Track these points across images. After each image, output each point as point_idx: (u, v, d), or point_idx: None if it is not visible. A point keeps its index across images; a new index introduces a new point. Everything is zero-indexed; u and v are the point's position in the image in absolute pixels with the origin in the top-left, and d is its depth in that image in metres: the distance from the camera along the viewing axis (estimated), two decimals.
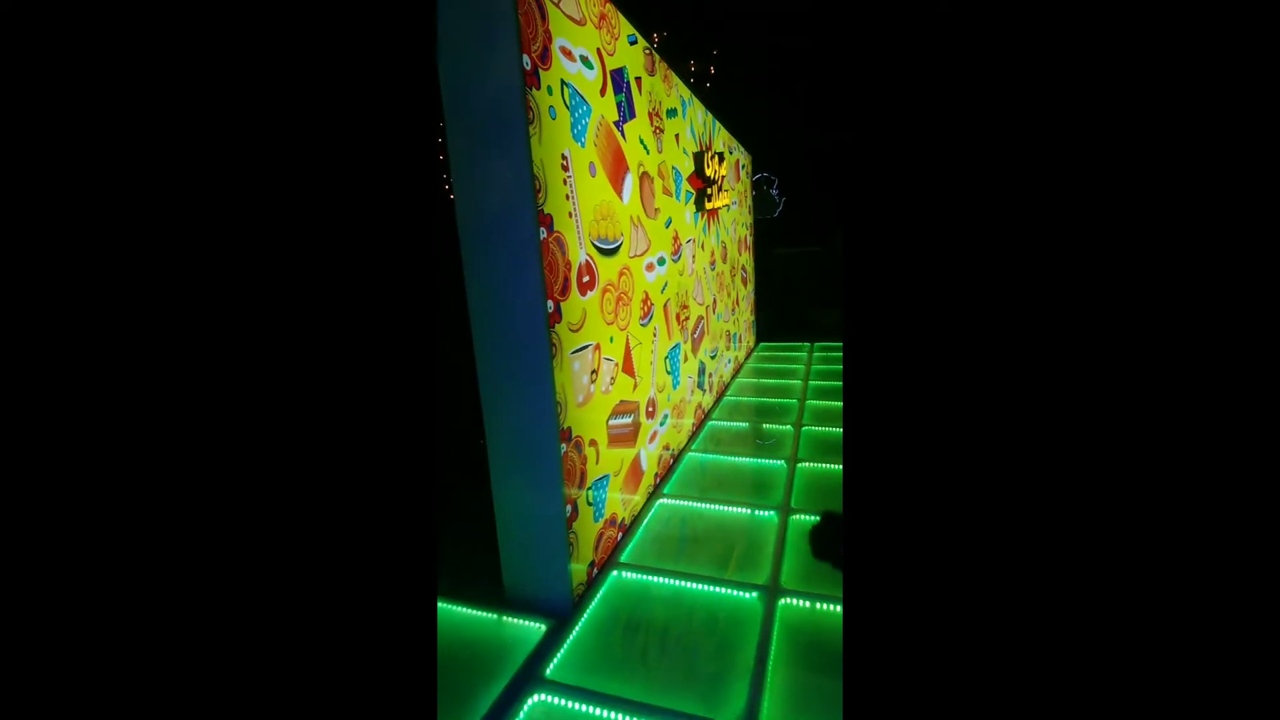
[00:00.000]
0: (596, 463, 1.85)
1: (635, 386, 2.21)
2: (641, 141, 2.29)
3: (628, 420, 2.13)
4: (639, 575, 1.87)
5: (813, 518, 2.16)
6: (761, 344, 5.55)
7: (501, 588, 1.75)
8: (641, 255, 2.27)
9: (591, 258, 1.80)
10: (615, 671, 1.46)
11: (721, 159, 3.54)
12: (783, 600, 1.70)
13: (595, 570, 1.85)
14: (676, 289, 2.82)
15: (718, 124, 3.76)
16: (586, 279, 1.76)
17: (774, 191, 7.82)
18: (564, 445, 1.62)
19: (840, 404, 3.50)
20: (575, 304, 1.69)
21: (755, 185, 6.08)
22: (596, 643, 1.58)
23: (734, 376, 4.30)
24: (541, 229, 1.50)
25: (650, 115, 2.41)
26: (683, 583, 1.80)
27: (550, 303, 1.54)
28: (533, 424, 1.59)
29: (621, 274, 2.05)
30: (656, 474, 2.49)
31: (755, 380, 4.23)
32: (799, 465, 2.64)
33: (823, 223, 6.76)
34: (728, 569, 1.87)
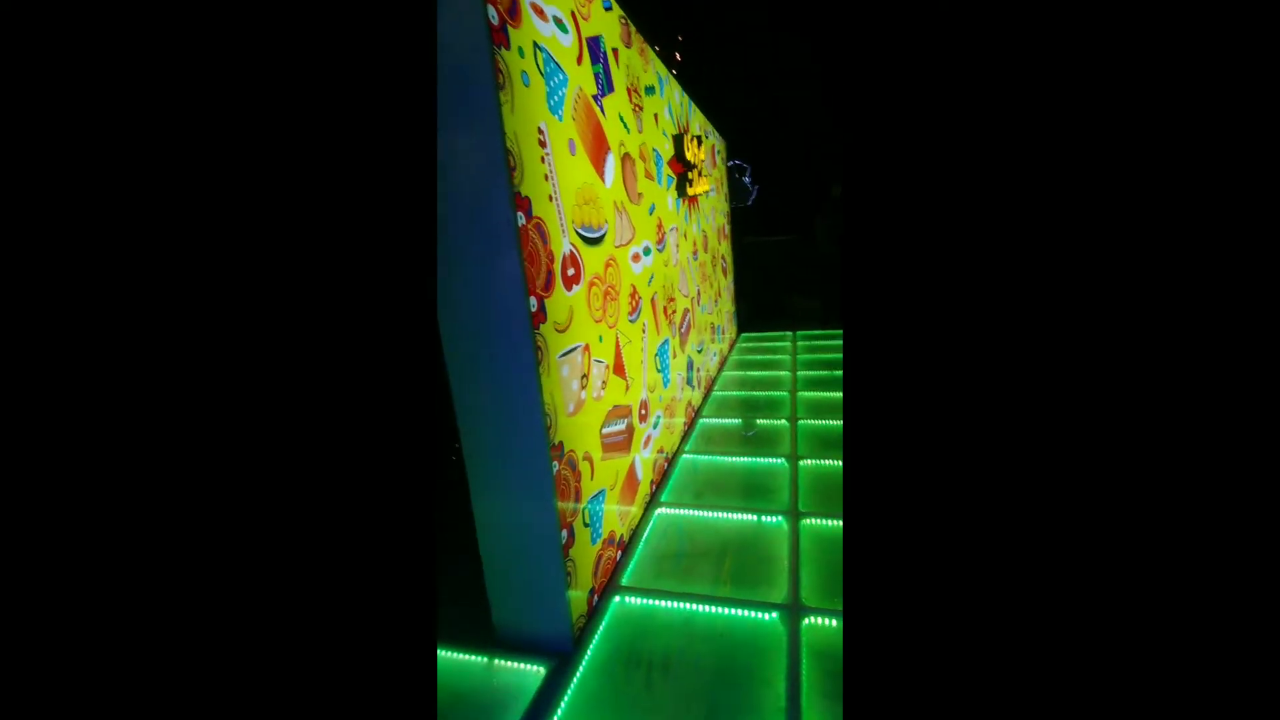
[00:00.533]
0: (591, 478, 1.65)
1: (627, 389, 2.01)
2: (621, 119, 2.08)
3: (621, 426, 1.93)
4: (644, 600, 1.68)
5: (827, 522, 2.01)
6: (743, 334, 5.41)
7: (489, 626, 1.53)
8: (627, 245, 2.07)
9: (576, 248, 1.59)
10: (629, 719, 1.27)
11: (700, 142, 3.36)
12: (807, 620, 1.53)
13: (596, 597, 1.66)
14: (663, 281, 2.63)
15: (694, 106, 3.57)
16: (571, 272, 1.55)
17: (746, 180, 7.70)
18: (556, 463, 1.42)
19: (835, 394, 3.38)
20: (561, 301, 1.48)
21: (729, 173, 5.94)
22: (604, 685, 1.38)
23: (720, 370, 4.14)
24: (519, 214, 1.28)
25: (629, 91, 2.20)
26: (693, 605, 1.62)
27: (533, 300, 1.33)
28: (519, 440, 1.38)
29: (608, 265, 1.84)
30: (652, 481, 2.30)
31: (742, 373, 4.08)
32: (801, 463, 2.49)
33: (798, 211, 6.66)
34: (741, 585, 1.70)
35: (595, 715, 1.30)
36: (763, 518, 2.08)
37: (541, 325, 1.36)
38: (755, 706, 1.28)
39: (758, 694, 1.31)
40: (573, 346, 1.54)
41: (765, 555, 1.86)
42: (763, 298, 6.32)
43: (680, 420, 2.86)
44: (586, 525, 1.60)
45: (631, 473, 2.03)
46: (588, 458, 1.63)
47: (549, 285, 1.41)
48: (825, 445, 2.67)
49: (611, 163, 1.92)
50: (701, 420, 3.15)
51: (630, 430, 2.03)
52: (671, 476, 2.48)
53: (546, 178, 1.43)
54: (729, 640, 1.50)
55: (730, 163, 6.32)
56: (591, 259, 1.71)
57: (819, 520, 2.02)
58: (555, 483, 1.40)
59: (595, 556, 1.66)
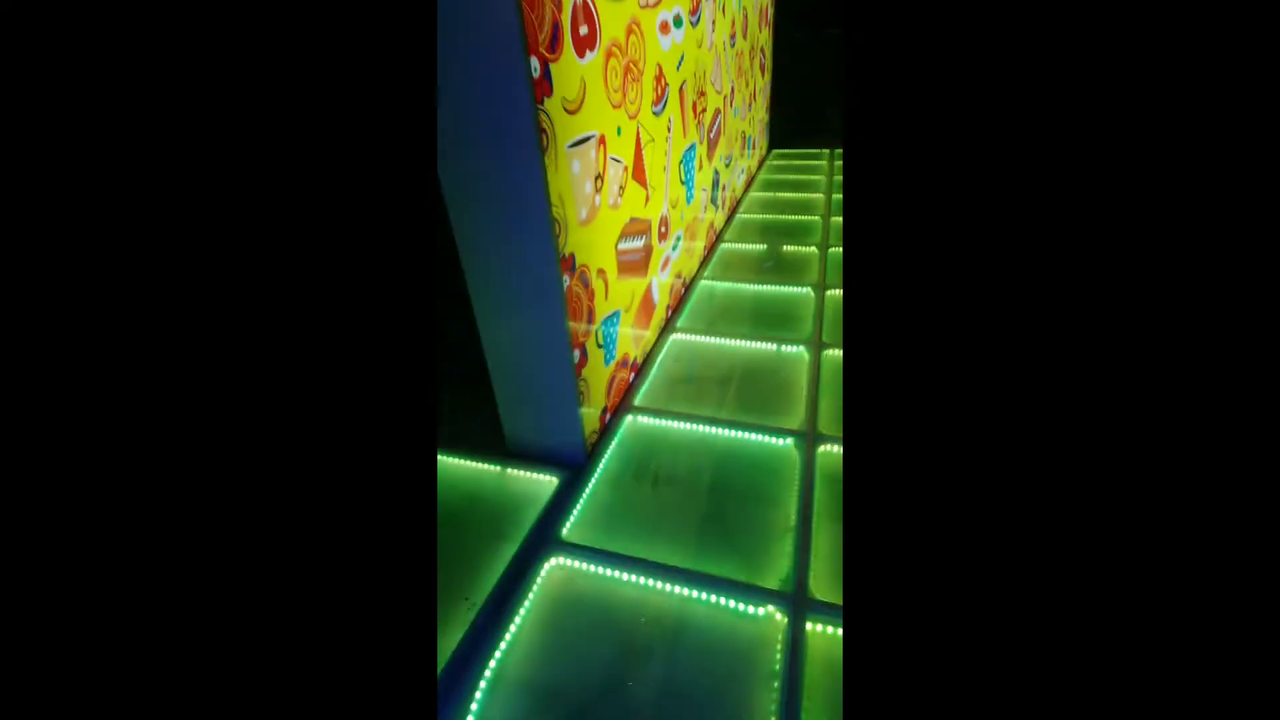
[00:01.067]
0: (606, 297, 1.50)
1: (647, 200, 1.75)
2: None
3: (639, 244, 1.72)
4: (658, 420, 1.65)
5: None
6: (774, 150, 4.83)
7: (500, 436, 1.53)
8: (655, 6, 1.62)
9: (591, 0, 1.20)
10: (641, 530, 1.30)
11: None
12: (822, 448, 1.51)
13: (609, 415, 1.63)
14: (694, 67, 2.16)
15: None
16: (585, 31, 1.19)
17: None
18: (567, 277, 1.25)
19: None
20: (571, 68, 1.15)
21: None
22: (617, 497, 1.40)
23: (746, 189, 3.74)
24: None
25: None
26: (707, 428, 1.60)
27: (535, 61, 1.02)
28: (523, 249, 1.19)
29: (630, 31, 1.44)
30: (669, 306, 2.16)
31: (771, 194, 3.70)
32: (828, 293, 2.32)
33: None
34: (757, 411, 1.66)
35: (609, 522, 1.33)
36: (783, 347, 1.98)
37: (546, 99, 1.07)
38: (769, 525, 1.30)
39: (770, 513, 1.33)
40: (586, 136, 1.26)
41: (783, 382, 1.80)
42: (800, 107, 5.51)
43: (701, 244, 2.62)
44: (600, 346, 1.50)
45: (648, 296, 1.88)
46: (602, 274, 1.45)
47: (555, 44, 1.08)
48: None
49: None
50: (724, 244, 2.91)
51: (648, 250, 1.82)
52: (689, 302, 2.34)
53: None
54: (741, 461, 1.49)
55: None
56: (610, 16, 1.32)
57: (840, 351, 1.92)
58: (566, 300, 1.25)
59: (609, 378, 1.59)
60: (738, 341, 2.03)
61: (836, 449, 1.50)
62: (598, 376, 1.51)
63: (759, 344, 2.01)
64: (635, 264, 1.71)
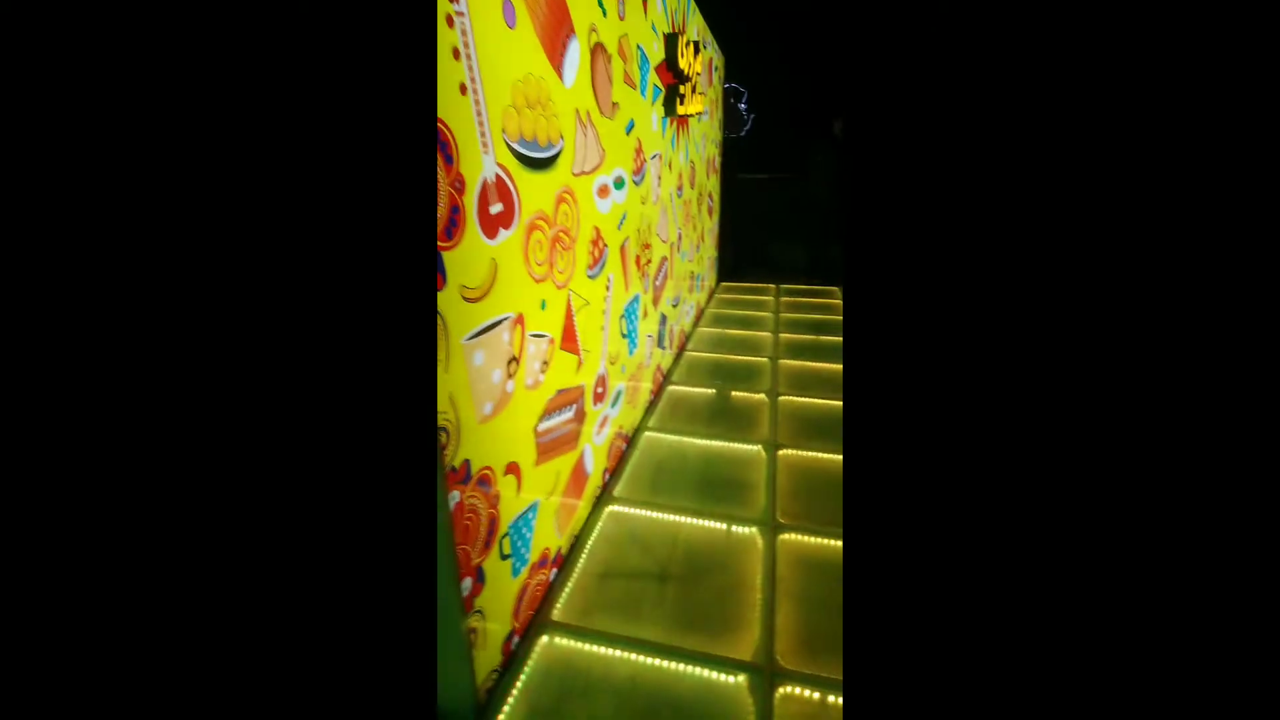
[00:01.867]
0: (518, 492, 1.24)
1: (580, 365, 1.57)
2: None
3: (568, 416, 1.50)
4: (581, 643, 1.32)
5: (811, 540, 1.68)
6: (722, 283, 4.96)
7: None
8: (592, 172, 1.55)
9: (507, 171, 1.08)
10: None
11: (697, 50, 2.73)
12: (784, 689, 1.21)
13: (516, 638, 1.29)
14: (638, 222, 2.12)
15: (693, 3, 2.89)
16: (498, 208, 1.05)
17: (742, 106, 6.92)
18: (457, 492, 0.99)
19: (819, 365, 3.02)
20: (475, 253, 0.99)
21: (724, 96, 5.21)
22: None
23: (695, 324, 3.71)
24: None
25: None
26: (639, 657, 1.28)
27: None
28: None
29: (560, 200, 1.34)
30: (606, 470, 1.92)
31: (719, 331, 3.67)
32: (781, 454, 2.14)
33: (795, 148, 6.01)
34: (699, 630, 1.36)
35: None
36: (733, 527, 1.74)
37: (439, 292, 0.88)
38: None
39: None
40: (494, 321, 1.07)
41: (734, 581, 1.53)
42: (746, 243, 5.81)
43: (647, 388, 2.45)
44: (506, 557, 1.20)
45: (578, 469, 1.63)
46: (513, 469, 1.20)
47: (453, 229, 0.92)
48: (809, 430, 2.32)
49: (576, 53, 1.36)
50: (671, 386, 2.76)
51: (581, 416, 1.61)
52: (630, 460, 2.10)
53: (458, 55, 0.89)
54: (679, 710, 1.17)
55: (726, 85, 5.57)
56: (534, 190, 1.20)
57: (801, 536, 1.69)
58: (453, 522, 0.98)
59: (519, 590, 1.28)
60: (681, 518, 1.77)
61: (803, 692, 1.20)
62: (502, 597, 1.20)
63: (705, 522, 1.76)
64: (562, 439, 1.48)
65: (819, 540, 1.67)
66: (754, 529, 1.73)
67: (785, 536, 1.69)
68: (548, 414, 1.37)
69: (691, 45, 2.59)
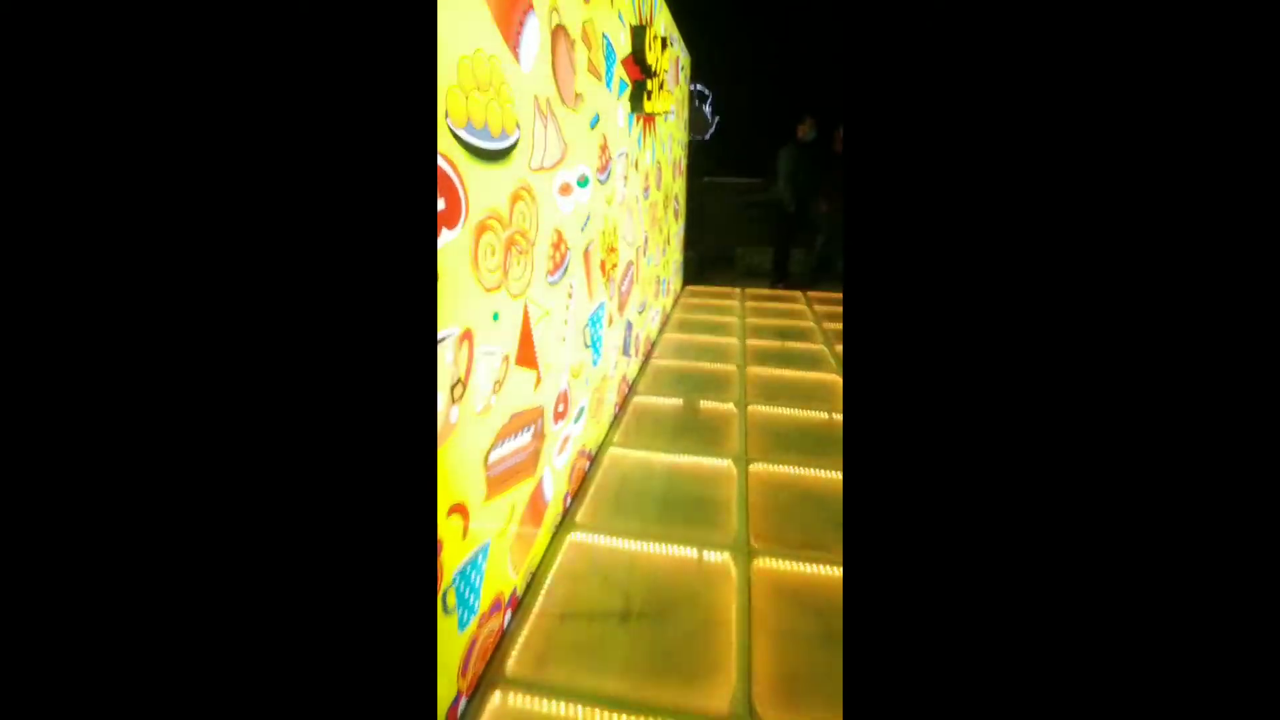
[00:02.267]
0: (464, 537, 1.07)
1: (539, 382, 1.41)
2: None
3: (525, 440, 1.35)
4: (538, 699, 1.17)
5: (786, 565, 1.57)
6: (688, 287, 4.87)
7: None
8: (552, 167, 1.39)
9: (451, 163, 0.92)
10: None
11: (665, 46, 2.61)
12: None
13: (464, 700, 1.13)
14: (603, 225, 1.97)
15: None
16: (440, 205, 0.89)
17: (707, 109, 6.86)
18: None
19: (787, 373, 2.95)
20: None
21: (690, 98, 5.13)
22: None
23: (661, 330, 3.59)
24: None
25: None
26: (608, 714, 1.14)
27: None
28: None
29: (516, 199, 1.18)
30: (568, 494, 1.76)
31: (686, 336, 3.56)
32: (752, 467, 2.04)
33: (759, 152, 5.99)
34: (670, 676, 1.23)
35: None
36: (705, 554, 1.62)
37: None
38: None
39: None
40: (438, 338, 0.91)
41: (705, 618, 1.40)
42: (711, 247, 5.76)
43: (612, 400, 2.31)
44: (450, 611, 1.04)
45: (537, 496, 1.47)
46: (459, 510, 1.04)
47: None
48: (781, 443, 2.23)
49: (535, 32, 1.21)
50: (636, 397, 2.62)
51: (539, 438, 1.45)
52: (593, 479, 1.95)
53: None
54: None
55: (692, 86, 5.49)
56: (484, 185, 1.04)
57: (777, 562, 1.58)
58: None
59: (465, 646, 1.11)
60: (649, 546, 1.64)
61: None
62: (446, 656, 1.03)
63: (675, 549, 1.63)
64: (518, 467, 1.32)
65: (795, 566, 1.57)
66: (726, 555, 1.61)
67: (760, 563, 1.58)
68: (501, 440, 1.21)
69: (659, 40, 2.47)
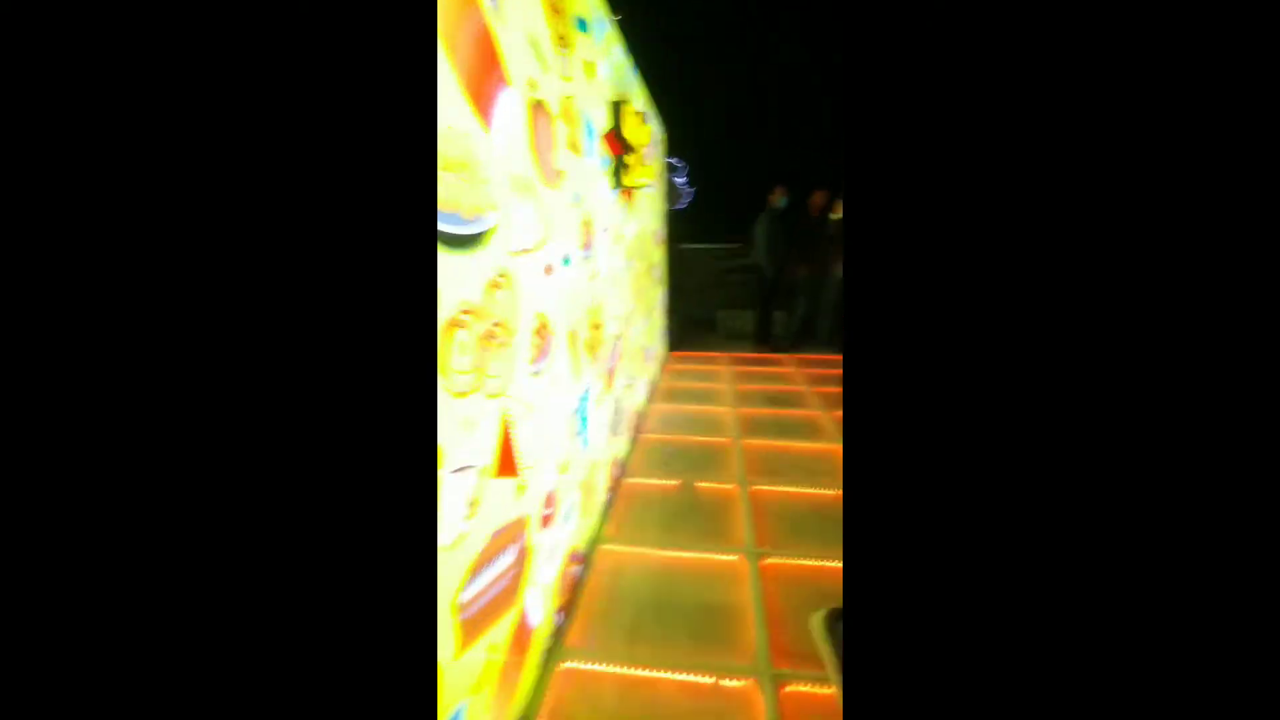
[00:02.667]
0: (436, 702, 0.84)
1: (522, 490, 1.21)
2: (536, 48, 1.27)
3: (507, 563, 1.13)
4: None
5: (818, 690, 1.33)
6: (672, 354, 4.76)
7: None
8: (531, 249, 1.27)
9: None
10: None
11: (644, 120, 2.61)
12: None
13: None
14: (589, 301, 1.85)
15: (637, 73, 2.82)
16: None
17: (682, 180, 7.07)
18: None
19: (786, 443, 2.78)
20: None
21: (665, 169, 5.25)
22: None
23: (649, 401, 3.43)
24: None
25: (550, 9, 1.40)
26: None
27: None
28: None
29: (494, 286, 1.03)
30: (559, 609, 1.52)
31: (675, 407, 3.39)
32: (764, 564, 1.82)
33: (735, 218, 6.12)
34: None
35: None
36: (723, 681, 1.37)
37: None
38: None
39: None
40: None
41: None
42: (693, 311, 5.72)
43: (604, 487, 2.09)
44: None
45: (521, 626, 1.24)
46: None
47: None
48: (792, 529, 2.02)
49: (513, 108, 1.11)
50: (628, 480, 2.41)
51: (523, 557, 1.23)
52: (584, 586, 1.71)
53: None
54: None
55: (667, 159, 5.65)
56: (455, 275, 0.89)
57: (808, 688, 1.34)
58: None
59: None
60: (657, 674, 1.39)
61: None
62: None
63: (687, 676, 1.38)
64: (498, 598, 1.10)
65: (830, 691, 1.34)
66: (748, 681, 1.37)
67: (790, 690, 1.34)
68: (477, 572, 0.99)
69: (638, 115, 2.47)
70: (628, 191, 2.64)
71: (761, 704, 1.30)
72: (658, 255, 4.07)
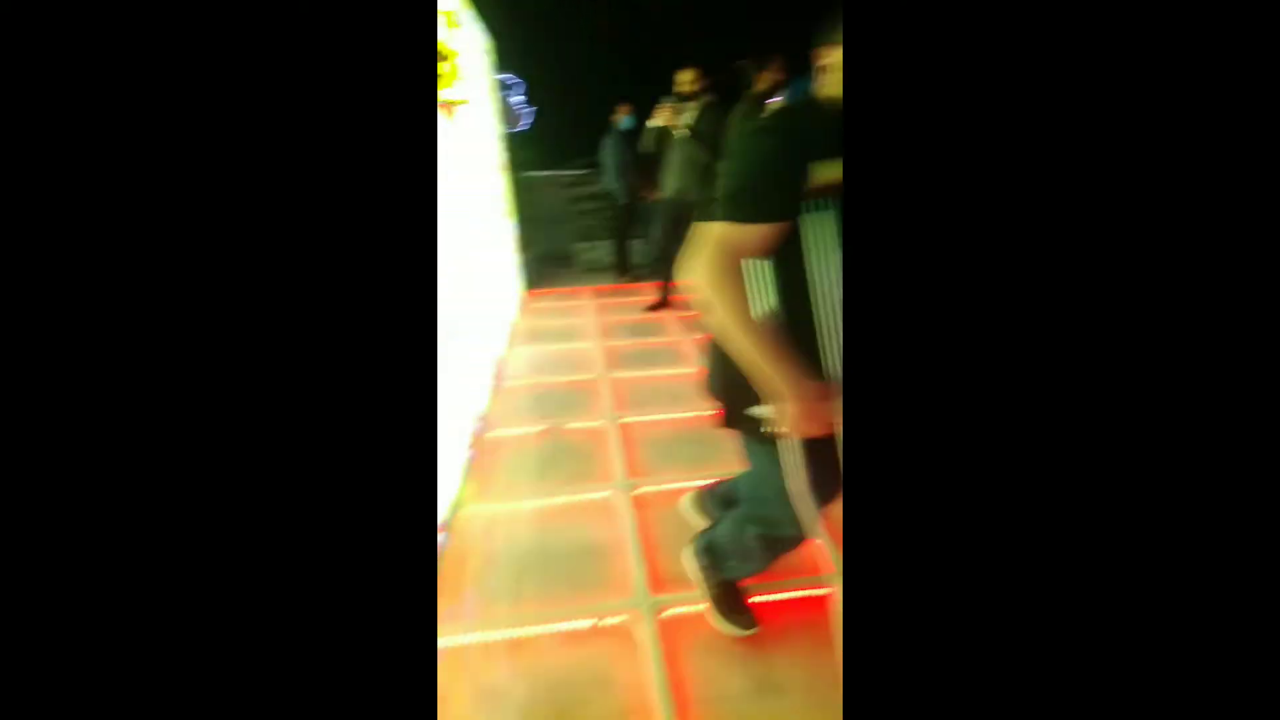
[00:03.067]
0: None
1: None
2: None
3: None
4: None
5: (700, 609, 1.38)
6: (531, 292, 4.51)
7: None
8: None
9: None
10: None
11: (457, 20, 2.22)
12: None
13: None
14: None
15: None
16: None
17: (519, 99, 6.45)
18: None
19: (654, 374, 2.80)
20: None
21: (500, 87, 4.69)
22: None
23: (509, 345, 3.22)
24: None
25: None
26: None
27: None
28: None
29: None
30: None
31: (538, 348, 3.23)
32: (635, 494, 1.83)
33: (583, 140, 5.77)
34: None
35: None
36: (601, 621, 1.36)
37: None
38: None
39: None
40: None
41: (622, 706, 1.15)
42: (548, 246, 5.44)
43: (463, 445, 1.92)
44: None
45: None
46: None
47: None
48: (662, 455, 2.05)
49: None
50: (489, 433, 2.25)
51: None
52: (447, 556, 1.58)
53: None
54: None
55: (500, 76, 5.05)
56: None
57: (684, 609, 1.38)
58: None
59: None
60: (533, 629, 1.34)
61: None
62: None
63: (565, 625, 1.35)
64: None
65: (705, 607, 1.39)
66: (629, 615, 1.38)
67: (668, 615, 1.38)
68: None
69: (449, 13, 2.08)
70: (446, 108, 2.27)
71: (644, 634, 1.32)
72: (499, 183, 3.71)
